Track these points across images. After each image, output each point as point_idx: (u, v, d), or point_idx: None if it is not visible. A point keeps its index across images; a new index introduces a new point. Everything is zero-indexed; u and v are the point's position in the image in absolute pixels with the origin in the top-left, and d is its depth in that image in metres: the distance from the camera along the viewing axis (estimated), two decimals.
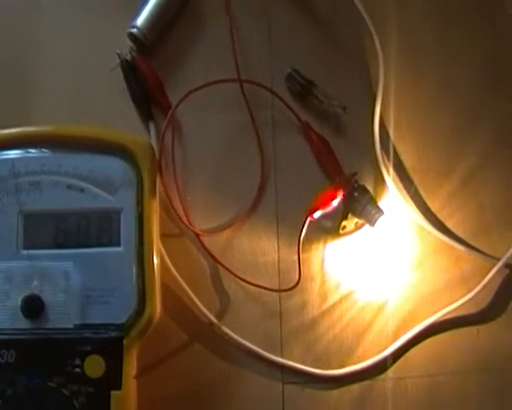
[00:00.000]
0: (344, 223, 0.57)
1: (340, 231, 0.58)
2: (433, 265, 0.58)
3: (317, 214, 0.56)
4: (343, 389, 0.55)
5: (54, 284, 0.48)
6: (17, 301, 0.47)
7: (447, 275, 0.58)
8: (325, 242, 0.58)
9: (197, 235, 0.57)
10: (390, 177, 0.59)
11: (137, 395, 0.49)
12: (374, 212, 0.56)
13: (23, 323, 0.47)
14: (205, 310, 0.55)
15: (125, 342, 0.48)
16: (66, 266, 0.49)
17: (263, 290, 0.56)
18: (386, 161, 0.60)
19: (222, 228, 0.58)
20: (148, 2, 0.61)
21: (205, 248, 0.57)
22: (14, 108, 0.60)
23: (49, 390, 0.47)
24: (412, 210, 0.59)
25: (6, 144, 0.51)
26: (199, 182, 0.59)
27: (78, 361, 0.47)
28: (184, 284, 0.55)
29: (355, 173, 0.57)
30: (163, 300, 0.52)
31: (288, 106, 0.60)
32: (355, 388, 0.55)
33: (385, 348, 0.56)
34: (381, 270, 0.58)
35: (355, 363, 0.55)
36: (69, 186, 0.50)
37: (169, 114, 0.58)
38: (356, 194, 0.56)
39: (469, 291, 0.57)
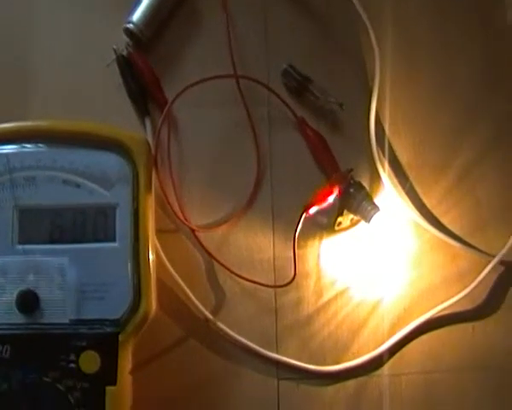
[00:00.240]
0: (339, 219, 0.57)
1: (336, 228, 0.58)
2: (428, 261, 0.59)
3: (312, 210, 0.56)
4: (338, 386, 0.55)
5: (49, 280, 0.48)
6: (12, 296, 0.47)
7: (443, 272, 0.58)
8: (321, 238, 0.59)
9: (193, 231, 0.57)
10: (386, 173, 0.59)
11: (133, 390, 0.49)
12: (369, 208, 0.56)
13: (18, 318, 0.47)
14: (200, 306, 0.55)
15: (120, 337, 0.48)
16: (61, 261, 0.49)
17: (258, 286, 0.56)
18: (381, 157, 0.60)
19: (218, 224, 0.58)
20: None
21: (200, 243, 0.57)
22: (10, 103, 0.60)
23: (44, 386, 0.46)
24: (408, 207, 0.59)
25: (1, 139, 0.51)
26: (195, 178, 0.59)
27: (73, 357, 0.47)
28: (180, 280, 0.55)
29: (351, 170, 0.57)
30: (158, 295, 0.52)
31: (284, 102, 0.60)
32: (350, 384, 0.55)
33: (380, 345, 0.56)
34: (376, 266, 0.58)
35: (350, 359, 0.56)
36: (65, 181, 0.50)
37: (165, 110, 0.58)
38: (352, 190, 0.56)
39: (465, 288, 0.57)
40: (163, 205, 0.57)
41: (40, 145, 0.51)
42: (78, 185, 0.50)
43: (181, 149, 0.60)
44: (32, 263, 0.48)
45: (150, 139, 0.58)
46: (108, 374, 0.47)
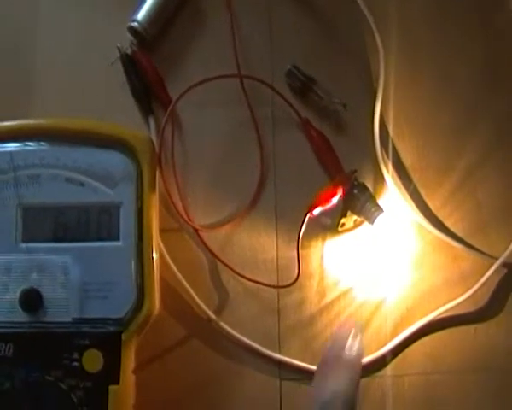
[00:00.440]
0: (343, 220, 0.57)
1: (339, 229, 0.58)
2: (431, 263, 0.59)
3: (316, 211, 0.56)
4: None
5: (52, 278, 0.48)
6: (15, 294, 0.47)
7: (445, 273, 0.58)
8: (324, 239, 0.58)
9: (196, 230, 0.57)
10: (389, 175, 0.59)
11: (135, 389, 0.49)
12: (373, 210, 0.56)
13: (21, 316, 0.47)
14: (203, 306, 0.55)
15: (123, 336, 0.48)
16: (64, 259, 0.49)
17: (261, 287, 0.56)
18: (385, 158, 0.60)
19: (221, 224, 0.58)
20: None
21: (204, 243, 0.57)
22: (13, 101, 0.60)
23: (46, 384, 0.47)
24: (411, 208, 0.59)
25: (5, 137, 0.51)
26: (198, 177, 0.59)
27: (76, 355, 0.47)
28: (183, 280, 0.55)
29: (355, 171, 0.57)
30: (162, 295, 0.52)
31: (288, 102, 0.60)
32: None
33: (383, 346, 0.56)
34: (379, 268, 0.58)
35: None
36: (68, 180, 0.50)
37: (169, 109, 0.58)
38: (355, 191, 0.56)
39: (467, 290, 0.57)
40: (167, 204, 0.57)
41: (44, 143, 0.51)
42: (81, 184, 0.50)
43: (185, 148, 0.60)
44: (36, 261, 0.48)
45: (154, 138, 0.58)
46: (111, 373, 0.47)
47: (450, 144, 0.62)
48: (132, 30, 0.61)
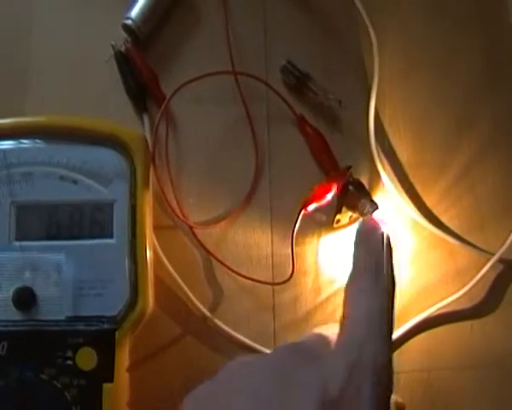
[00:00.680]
0: (338, 217, 0.57)
1: (335, 225, 0.58)
2: (427, 259, 0.59)
3: (310, 208, 0.56)
4: None
5: (46, 276, 0.48)
6: (9, 292, 0.47)
7: (442, 270, 0.58)
8: (319, 235, 0.58)
9: (190, 227, 0.57)
10: (385, 171, 0.59)
11: (130, 387, 0.49)
12: (368, 206, 0.56)
13: (15, 315, 0.47)
14: (198, 303, 0.55)
15: (117, 334, 0.48)
16: (58, 257, 0.48)
17: (256, 284, 0.56)
18: (381, 154, 0.60)
19: (216, 221, 0.58)
20: None
21: (198, 241, 0.57)
22: (7, 99, 0.60)
23: (40, 383, 0.46)
24: (407, 205, 0.59)
25: None
26: (192, 174, 0.59)
27: (70, 353, 0.47)
28: (178, 277, 0.55)
29: (350, 167, 0.57)
30: (156, 292, 0.52)
31: (283, 99, 0.60)
32: None
33: None
34: None
35: None
36: (62, 177, 0.50)
37: (163, 106, 0.58)
38: (350, 188, 0.56)
39: (464, 286, 0.57)
40: (161, 202, 0.57)
41: (37, 141, 0.51)
42: (75, 181, 0.50)
43: (179, 145, 0.60)
44: (29, 260, 0.48)
45: (148, 136, 0.58)
46: (105, 371, 0.47)
47: (446, 140, 0.62)
48: (126, 28, 0.60)
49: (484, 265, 0.57)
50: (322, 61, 0.62)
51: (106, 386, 0.47)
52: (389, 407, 0.37)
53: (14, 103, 0.60)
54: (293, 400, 0.35)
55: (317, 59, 0.62)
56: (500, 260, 0.58)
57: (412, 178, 0.60)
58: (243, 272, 0.56)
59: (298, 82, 0.60)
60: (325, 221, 0.58)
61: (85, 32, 0.62)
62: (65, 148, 0.50)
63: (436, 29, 0.64)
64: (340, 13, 0.63)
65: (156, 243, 0.55)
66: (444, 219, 0.60)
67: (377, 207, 0.56)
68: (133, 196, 0.50)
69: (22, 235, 0.49)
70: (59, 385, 0.46)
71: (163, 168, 0.58)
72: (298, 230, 0.56)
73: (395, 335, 0.56)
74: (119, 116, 0.59)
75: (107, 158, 0.50)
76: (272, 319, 0.56)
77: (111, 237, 0.49)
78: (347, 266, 0.57)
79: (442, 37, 0.64)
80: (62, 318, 0.48)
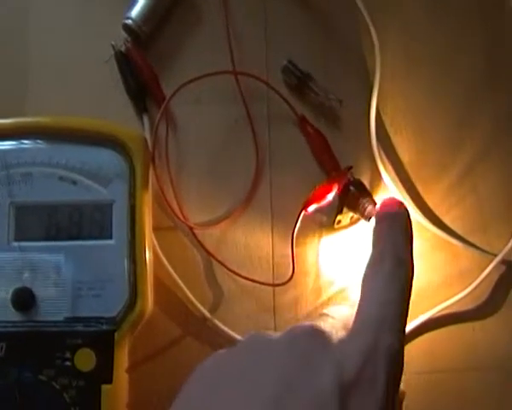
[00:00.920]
0: (339, 217, 0.57)
1: (335, 226, 0.58)
2: (429, 261, 0.58)
3: (311, 208, 0.56)
4: None
5: (45, 277, 0.48)
6: (7, 293, 0.48)
7: (444, 271, 0.58)
8: (320, 236, 0.58)
9: (190, 228, 0.57)
10: (386, 171, 0.59)
11: (129, 389, 0.49)
12: (369, 207, 0.55)
13: (13, 315, 0.48)
14: (198, 304, 0.55)
15: (116, 335, 0.48)
16: (57, 258, 0.49)
17: (257, 285, 0.56)
18: (382, 154, 0.60)
19: (216, 222, 0.58)
20: None
21: (199, 242, 0.57)
22: (6, 100, 0.60)
23: (39, 384, 0.47)
24: (409, 205, 0.59)
25: None
26: (193, 175, 0.59)
27: (68, 355, 0.47)
28: (177, 278, 0.55)
29: (350, 167, 0.57)
30: (155, 293, 0.52)
31: (284, 99, 0.60)
32: None
33: None
34: None
35: None
36: (61, 178, 0.50)
37: (162, 107, 0.58)
38: (351, 188, 0.56)
39: (466, 287, 0.57)
40: (161, 202, 0.57)
41: (37, 142, 0.51)
42: (74, 182, 0.50)
43: (179, 145, 0.60)
44: (28, 260, 0.49)
45: (148, 136, 0.58)
46: (104, 372, 0.47)
47: (448, 139, 0.62)
48: (126, 27, 0.61)
49: (486, 266, 0.57)
50: (323, 61, 0.62)
51: (105, 387, 0.47)
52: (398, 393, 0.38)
53: (14, 104, 0.60)
54: (313, 381, 0.35)
55: (318, 58, 0.62)
56: (503, 262, 0.58)
57: (414, 178, 0.60)
58: (243, 273, 0.56)
59: (299, 82, 0.60)
60: (326, 222, 0.58)
61: (85, 31, 0.62)
62: (64, 148, 0.51)
63: (438, 27, 0.64)
64: (341, 12, 0.63)
65: (156, 243, 0.55)
66: (446, 219, 0.60)
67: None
68: (132, 196, 0.50)
69: (21, 235, 0.49)
70: (57, 386, 0.47)
71: (163, 168, 0.58)
72: (298, 230, 0.56)
73: None
74: (118, 116, 0.59)
75: (107, 158, 0.51)
76: (273, 320, 0.56)
77: (110, 237, 0.50)
78: (348, 267, 0.57)
79: (444, 35, 0.64)
80: (61, 319, 0.48)
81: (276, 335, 0.40)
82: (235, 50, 0.61)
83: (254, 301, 0.57)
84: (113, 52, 0.60)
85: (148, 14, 0.60)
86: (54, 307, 0.48)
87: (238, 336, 0.55)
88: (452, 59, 0.64)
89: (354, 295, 0.57)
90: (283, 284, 0.56)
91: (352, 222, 0.58)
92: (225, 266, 0.57)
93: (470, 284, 0.57)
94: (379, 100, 0.60)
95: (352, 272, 0.57)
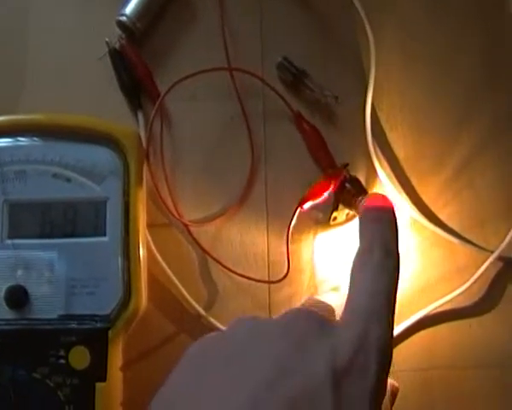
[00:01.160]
0: (335, 214, 0.57)
1: (331, 223, 0.58)
2: (426, 258, 0.59)
3: (307, 205, 0.56)
4: None
5: (38, 275, 0.49)
6: (1, 291, 0.48)
7: (441, 268, 0.59)
8: (315, 233, 0.59)
9: (186, 225, 0.58)
10: (382, 167, 0.59)
11: (123, 386, 0.50)
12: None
13: (7, 313, 0.48)
14: (193, 301, 0.56)
15: (110, 333, 0.48)
16: (51, 256, 0.49)
17: (252, 282, 0.57)
18: (377, 151, 0.60)
19: (211, 219, 0.58)
20: None
21: (194, 239, 0.57)
22: (0, 96, 0.61)
23: (33, 382, 0.47)
24: (405, 201, 0.59)
25: None
26: (188, 171, 0.59)
27: (62, 352, 0.47)
28: (172, 275, 0.56)
29: (346, 164, 0.57)
30: (150, 291, 0.52)
31: (279, 95, 0.60)
32: None
33: None
34: None
35: None
36: (55, 175, 0.50)
37: (157, 103, 0.58)
38: (347, 185, 0.56)
39: (463, 283, 0.57)
40: (156, 199, 0.57)
41: (30, 139, 0.51)
42: (68, 179, 0.50)
43: (174, 142, 0.60)
44: (22, 258, 0.49)
45: (143, 133, 0.58)
46: (98, 370, 0.48)
47: (445, 136, 0.62)
48: (121, 24, 0.61)
49: (483, 263, 0.58)
50: (319, 58, 0.62)
51: (99, 385, 0.47)
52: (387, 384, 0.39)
53: (7, 101, 0.60)
54: (307, 364, 0.36)
55: (314, 55, 0.62)
56: (500, 258, 0.58)
57: (410, 175, 0.60)
58: (239, 271, 0.57)
59: (294, 79, 0.61)
60: (322, 219, 0.58)
61: (79, 29, 0.63)
62: (58, 145, 0.51)
63: (435, 24, 0.64)
64: (336, 8, 0.63)
65: (150, 240, 0.55)
66: (442, 216, 0.60)
67: None
68: (126, 193, 0.50)
69: (15, 233, 0.49)
70: (52, 384, 0.47)
71: (158, 165, 0.58)
72: (294, 227, 0.56)
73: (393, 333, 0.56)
74: (113, 113, 0.60)
75: (101, 155, 0.51)
76: (268, 317, 0.56)
77: (104, 235, 0.50)
78: (344, 264, 0.57)
79: (441, 32, 0.64)
80: (55, 316, 0.48)
81: (267, 319, 0.41)
82: (230, 47, 0.61)
83: (249, 298, 0.57)
84: (107, 49, 0.61)
85: (142, 10, 0.61)
86: (47, 304, 0.48)
87: None
88: (450, 56, 0.64)
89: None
90: (279, 281, 0.56)
91: (348, 219, 0.59)
92: (221, 264, 0.57)
93: (467, 281, 0.57)
94: (375, 96, 0.60)
95: (347, 268, 0.57)
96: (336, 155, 0.60)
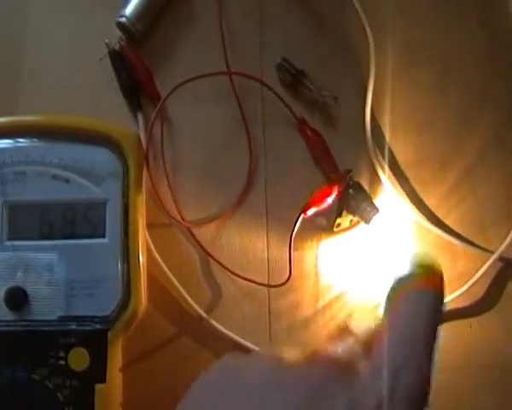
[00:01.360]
0: (338, 220, 0.57)
1: (335, 229, 0.58)
2: None
3: (310, 212, 0.56)
4: None
5: (38, 276, 0.49)
6: (0, 292, 0.48)
7: (444, 272, 0.58)
8: (319, 239, 0.59)
9: (188, 227, 0.58)
10: (385, 174, 0.59)
11: (124, 388, 0.50)
12: (369, 209, 0.56)
13: (7, 315, 0.48)
14: (193, 303, 0.56)
15: (109, 334, 0.49)
16: (50, 257, 0.49)
17: (253, 285, 0.57)
18: (379, 156, 0.60)
19: (211, 220, 0.59)
20: None
21: (197, 241, 0.58)
22: (0, 97, 0.61)
23: (32, 383, 0.47)
24: (408, 206, 0.60)
25: None
26: (188, 173, 0.60)
27: (62, 354, 0.48)
28: (172, 277, 0.56)
29: (350, 170, 0.58)
30: (150, 292, 0.53)
31: (282, 100, 0.61)
32: None
33: None
34: (376, 268, 0.58)
35: None
36: (54, 177, 0.51)
37: (157, 108, 0.59)
38: (351, 191, 0.56)
39: (464, 285, 0.57)
40: (156, 200, 0.58)
41: (30, 140, 0.52)
42: (67, 181, 0.51)
43: (174, 144, 0.60)
44: (21, 259, 0.49)
45: (142, 134, 0.59)
46: (98, 372, 0.48)
47: (447, 139, 0.62)
48: (121, 25, 0.61)
49: (484, 264, 0.58)
50: (319, 60, 0.63)
51: (98, 386, 0.48)
52: None
53: (7, 102, 0.61)
54: None
55: (314, 57, 0.63)
56: (500, 259, 0.58)
57: (411, 177, 0.61)
58: (238, 274, 0.57)
59: (293, 79, 0.61)
60: (325, 225, 0.59)
61: (79, 30, 0.63)
62: (57, 147, 0.51)
63: (436, 23, 0.65)
64: (336, 9, 0.64)
65: (150, 241, 0.56)
66: (446, 220, 0.60)
67: (378, 211, 0.56)
68: (126, 195, 0.51)
69: (14, 234, 0.50)
70: (51, 386, 0.47)
71: (158, 167, 0.59)
72: (297, 233, 0.56)
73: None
74: (113, 114, 0.60)
75: (100, 157, 0.51)
76: (269, 321, 0.57)
77: (103, 236, 0.50)
78: (348, 271, 0.57)
79: (443, 31, 0.65)
80: (54, 318, 0.49)
81: (290, 360, 0.38)
82: (229, 48, 0.61)
83: (251, 301, 0.57)
84: (107, 50, 0.61)
85: (142, 11, 0.61)
86: (47, 306, 0.49)
87: (234, 336, 0.56)
88: (452, 57, 0.64)
89: (354, 298, 0.58)
90: (279, 285, 0.56)
91: (352, 225, 0.59)
92: (223, 266, 0.57)
93: (467, 282, 0.58)
94: (377, 100, 0.61)
95: (351, 275, 0.58)
96: (337, 157, 0.60)
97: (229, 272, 0.57)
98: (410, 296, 0.39)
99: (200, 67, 0.60)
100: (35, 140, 0.52)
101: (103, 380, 0.48)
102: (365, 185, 0.58)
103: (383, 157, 0.61)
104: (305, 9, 0.65)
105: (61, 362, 0.48)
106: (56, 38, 0.63)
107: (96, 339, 0.48)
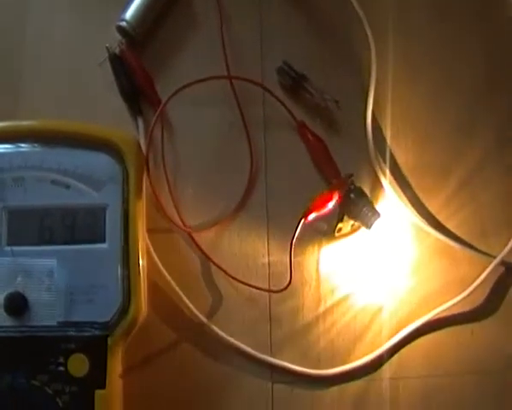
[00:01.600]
0: (340, 225, 0.58)
1: (336, 234, 0.59)
2: (430, 267, 0.59)
3: (311, 217, 0.57)
4: (334, 390, 0.56)
5: (38, 282, 0.49)
6: (0, 298, 0.48)
7: (445, 277, 0.59)
8: (320, 244, 0.59)
9: (189, 232, 0.58)
10: (386, 178, 0.60)
11: (124, 394, 0.50)
12: (370, 214, 0.57)
13: (6, 320, 0.48)
14: (194, 309, 0.56)
15: (109, 340, 0.49)
16: (50, 263, 0.50)
17: (254, 290, 0.57)
18: (381, 161, 0.61)
19: (211, 224, 0.59)
20: None
21: (198, 246, 0.58)
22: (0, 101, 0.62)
23: (32, 389, 0.47)
24: (409, 211, 0.60)
25: None
26: (188, 178, 0.60)
27: (61, 360, 0.48)
28: (173, 282, 0.56)
29: (351, 175, 0.58)
30: (151, 298, 0.53)
31: (282, 104, 0.61)
32: (346, 388, 0.56)
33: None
34: (377, 273, 0.59)
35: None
36: (54, 182, 0.51)
37: (157, 113, 0.59)
38: (352, 196, 0.57)
39: (465, 290, 0.58)
40: (156, 205, 0.58)
41: (29, 145, 0.52)
42: (67, 186, 0.51)
43: (175, 149, 0.61)
44: (21, 265, 0.49)
45: (143, 139, 0.59)
46: (97, 378, 0.48)
47: (448, 144, 0.63)
48: (121, 29, 0.62)
49: (485, 269, 0.58)
50: (320, 64, 0.63)
51: (98, 392, 0.48)
52: None
53: (6, 107, 0.61)
54: None
55: (314, 61, 0.63)
56: (502, 263, 0.59)
57: (414, 184, 0.61)
58: (239, 279, 0.57)
59: (294, 83, 0.61)
60: (327, 230, 0.59)
61: (79, 34, 0.64)
62: (57, 152, 0.52)
63: (436, 27, 0.65)
64: (337, 14, 0.65)
65: (151, 247, 0.56)
66: (447, 224, 0.61)
67: (379, 216, 0.57)
68: (126, 200, 0.51)
69: (14, 240, 0.50)
70: (51, 392, 0.48)
71: (159, 172, 0.59)
72: (298, 239, 0.57)
73: (395, 339, 0.57)
74: (113, 119, 0.61)
75: (100, 162, 0.52)
76: (270, 326, 0.57)
77: (103, 242, 0.50)
78: (349, 275, 0.57)
79: (443, 36, 0.65)
80: (54, 323, 0.49)
81: None
82: (230, 52, 0.62)
83: (252, 306, 0.58)
84: (107, 54, 0.62)
85: (142, 16, 0.62)
86: (47, 311, 0.49)
87: (235, 341, 0.56)
88: (452, 62, 0.65)
89: (356, 302, 0.58)
90: (280, 290, 0.57)
91: (353, 230, 0.59)
92: (224, 271, 0.57)
93: (468, 287, 0.58)
94: (379, 105, 0.61)
95: (352, 280, 0.58)
96: (338, 161, 0.60)
97: (229, 278, 0.58)
98: None
99: (202, 72, 0.60)
100: (34, 145, 0.52)
101: (103, 386, 0.48)
102: (367, 190, 0.58)
103: (385, 162, 0.61)
104: (307, 14, 0.65)
105: (61, 368, 0.48)
106: (56, 42, 0.64)
107: (95, 345, 0.49)
